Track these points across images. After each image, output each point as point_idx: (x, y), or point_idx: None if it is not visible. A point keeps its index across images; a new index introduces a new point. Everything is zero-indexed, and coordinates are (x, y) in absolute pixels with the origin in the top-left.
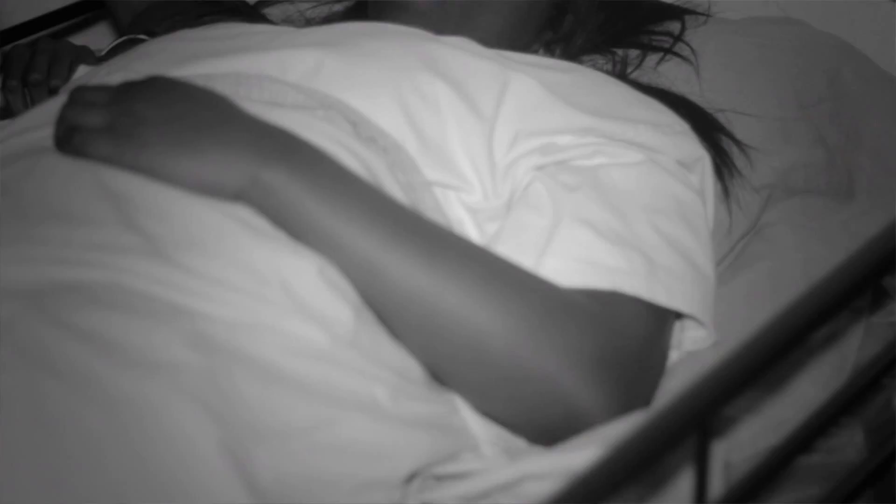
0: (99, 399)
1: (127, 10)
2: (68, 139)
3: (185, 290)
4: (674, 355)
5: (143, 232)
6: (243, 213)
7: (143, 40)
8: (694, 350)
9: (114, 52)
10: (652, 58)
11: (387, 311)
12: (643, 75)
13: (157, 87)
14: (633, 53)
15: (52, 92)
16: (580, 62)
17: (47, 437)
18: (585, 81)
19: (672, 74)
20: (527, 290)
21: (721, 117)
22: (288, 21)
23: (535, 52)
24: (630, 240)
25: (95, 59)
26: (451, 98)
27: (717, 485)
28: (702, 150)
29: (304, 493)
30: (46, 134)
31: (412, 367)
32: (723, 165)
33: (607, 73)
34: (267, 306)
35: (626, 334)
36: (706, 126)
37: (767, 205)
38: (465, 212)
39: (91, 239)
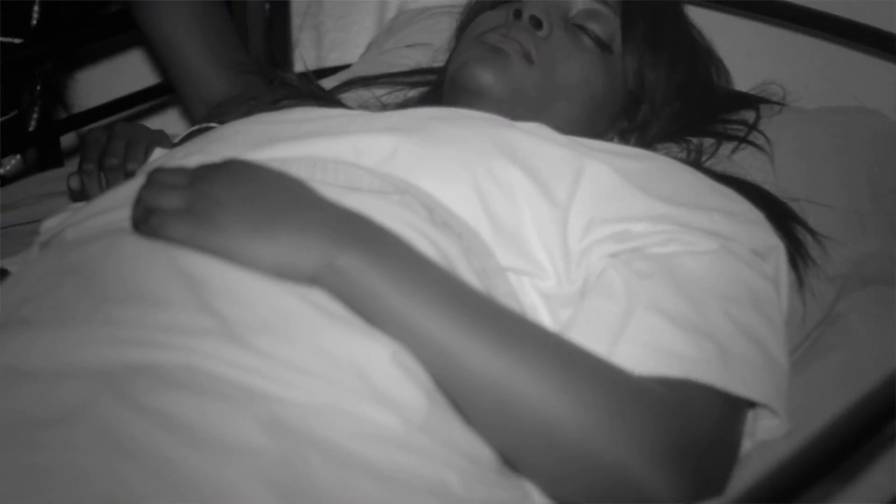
0: (174, 481)
1: (200, 106)
2: (145, 221)
3: (259, 373)
4: (747, 444)
5: (218, 314)
6: (318, 296)
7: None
8: (767, 439)
9: (189, 138)
10: (727, 146)
11: (460, 396)
12: (718, 163)
13: (234, 171)
14: (708, 142)
15: (128, 175)
16: (655, 150)
17: None
18: (660, 169)
19: (747, 163)
20: (600, 377)
21: (795, 206)
22: (363, 106)
23: (610, 139)
24: (704, 328)
25: (171, 143)
26: (525, 184)
27: None
28: (776, 239)
29: None
30: (124, 215)
31: (484, 453)
32: (797, 254)
33: (682, 161)
34: (340, 391)
35: (699, 423)
36: (780, 215)
37: (841, 294)
38: (539, 298)
39: (166, 321)
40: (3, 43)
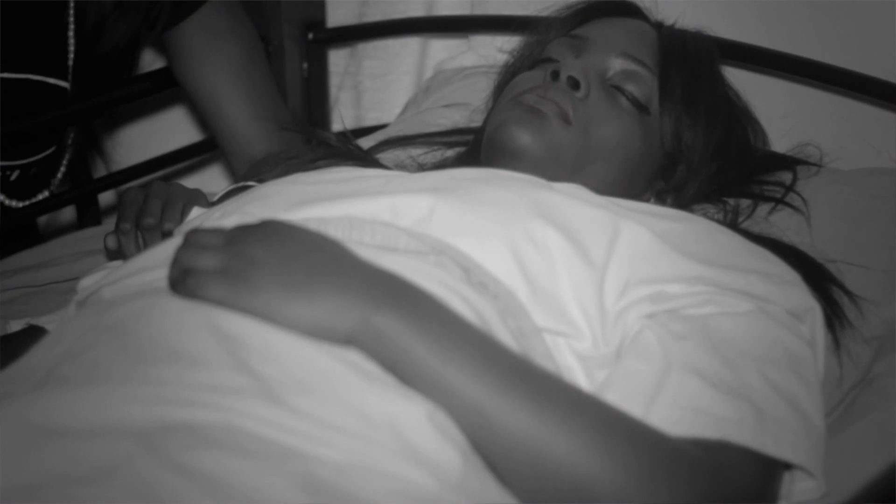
0: None
1: (242, 161)
2: (182, 281)
3: (295, 432)
4: None
5: (254, 374)
6: (354, 356)
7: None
8: (803, 501)
9: (226, 197)
10: (763, 207)
11: (495, 456)
12: (754, 225)
13: (271, 231)
14: (745, 202)
15: (165, 235)
16: (691, 211)
17: None
18: (696, 230)
19: (783, 224)
20: (636, 438)
21: (832, 267)
22: (401, 165)
23: (647, 200)
24: (739, 389)
25: (208, 203)
26: (562, 245)
27: None
28: (812, 301)
29: None
30: (161, 275)
31: None
32: (833, 316)
33: (718, 222)
34: (376, 450)
35: (734, 484)
36: (817, 276)
37: (878, 356)
38: (575, 359)
39: (203, 380)
40: (41, 83)
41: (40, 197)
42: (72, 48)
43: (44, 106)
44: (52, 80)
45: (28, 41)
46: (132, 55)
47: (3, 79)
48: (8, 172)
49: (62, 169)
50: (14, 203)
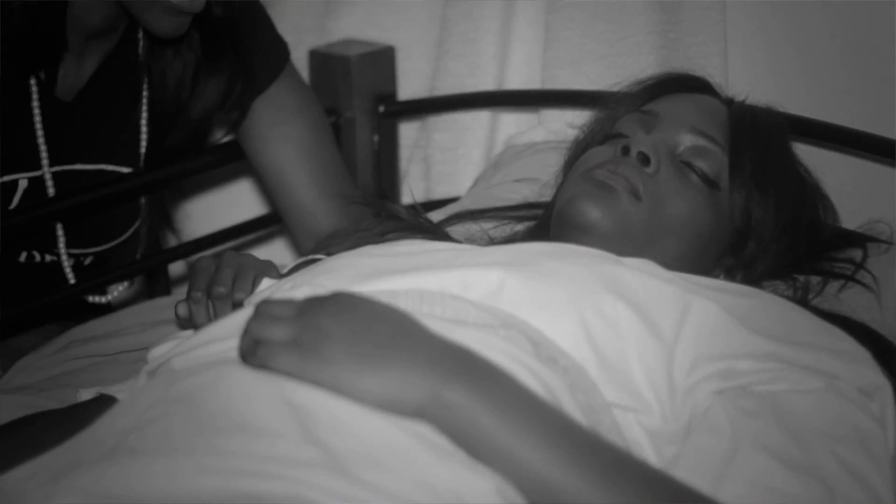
0: None
1: (307, 237)
2: (253, 352)
3: None
4: None
5: (324, 446)
6: (423, 429)
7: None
8: None
9: (297, 269)
10: (834, 284)
11: None
12: (824, 302)
13: (341, 303)
14: (815, 280)
15: (236, 305)
16: (761, 287)
17: None
18: (766, 307)
19: (853, 302)
20: None
21: None
22: (471, 239)
23: (717, 276)
24: (809, 466)
25: (278, 273)
26: (632, 320)
27: None
28: (883, 379)
29: None
30: (231, 346)
31: None
32: None
33: (788, 298)
34: None
35: None
36: (887, 354)
37: None
38: (644, 434)
39: (272, 451)
40: (119, 174)
41: (120, 288)
42: (144, 138)
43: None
44: (125, 170)
45: (102, 132)
46: (203, 137)
47: (78, 171)
48: (81, 259)
49: (137, 256)
50: (95, 298)
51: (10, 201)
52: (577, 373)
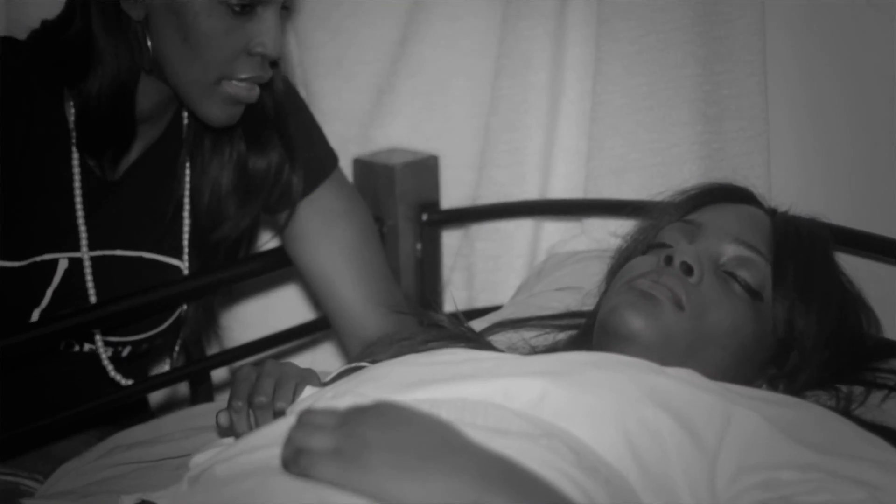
0: None
1: (355, 341)
2: (296, 460)
3: None
4: None
5: None
6: None
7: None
8: None
9: (339, 377)
10: (876, 395)
11: None
12: (867, 412)
13: (384, 412)
14: (858, 390)
15: (277, 414)
16: (803, 397)
17: None
18: (809, 417)
19: None
20: None
21: None
22: (513, 348)
23: (759, 386)
24: None
25: (320, 382)
26: (674, 431)
27: None
28: None
29: None
30: (273, 453)
31: None
32: None
33: (831, 408)
34: None
35: None
36: None
37: None
38: None
39: None
40: (158, 262)
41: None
42: (187, 229)
43: (157, 283)
44: (164, 259)
45: (143, 218)
46: (249, 237)
47: (118, 256)
48: (119, 348)
49: (176, 349)
50: (122, 379)
51: (50, 281)
52: (619, 482)
